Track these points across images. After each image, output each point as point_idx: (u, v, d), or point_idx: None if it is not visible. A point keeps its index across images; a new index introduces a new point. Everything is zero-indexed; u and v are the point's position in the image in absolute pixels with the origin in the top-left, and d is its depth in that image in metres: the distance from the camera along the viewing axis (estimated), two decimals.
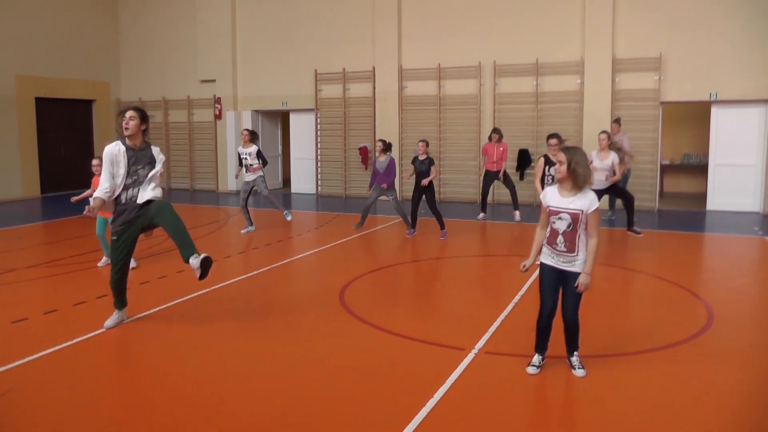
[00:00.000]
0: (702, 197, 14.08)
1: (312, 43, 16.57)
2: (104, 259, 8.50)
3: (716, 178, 13.40)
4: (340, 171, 16.52)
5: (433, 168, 10.33)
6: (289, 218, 11.60)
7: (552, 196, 4.62)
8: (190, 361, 5.13)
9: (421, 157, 10.37)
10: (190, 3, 18.00)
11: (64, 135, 17.80)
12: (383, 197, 11.27)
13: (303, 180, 17.56)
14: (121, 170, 5.64)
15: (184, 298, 6.84)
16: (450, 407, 4.25)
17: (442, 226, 10.47)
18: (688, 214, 13.20)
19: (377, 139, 11.48)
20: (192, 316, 6.32)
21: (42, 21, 16.69)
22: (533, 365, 4.85)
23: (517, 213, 12.13)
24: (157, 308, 6.53)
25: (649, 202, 13.62)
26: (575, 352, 4.81)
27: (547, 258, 4.71)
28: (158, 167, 5.83)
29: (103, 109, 18.78)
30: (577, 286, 4.54)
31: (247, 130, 11.23)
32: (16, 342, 5.58)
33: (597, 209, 4.49)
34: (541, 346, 4.89)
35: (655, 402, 4.33)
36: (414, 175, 10.49)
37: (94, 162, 8.31)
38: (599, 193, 9.49)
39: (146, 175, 5.71)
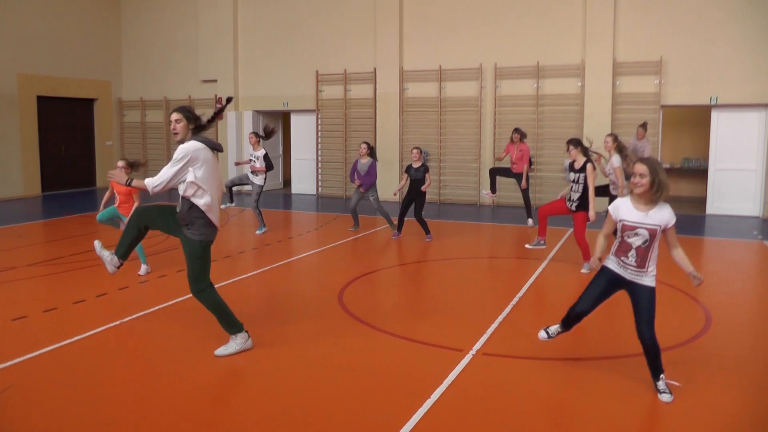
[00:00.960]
0: (702, 201, 14.10)
1: (313, 44, 16.59)
2: (144, 267, 8.11)
3: (716, 182, 13.42)
4: (341, 172, 16.53)
5: (427, 175, 10.29)
6: (259, 232, 11.10)
7: (626, 210, 4.39)
8: (188, 361, 5.14)
9: (416, 165, 10.33)
10: (192, 3, 18.02)
11: (66, 134, 17.83)
12: (366, 200, 11.26)
13: (303, 181, 17.58)
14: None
15: (184, 298, 6.85)
16: (448, 408, 4.27)
17: (427, 232, 10.43)
18: (687, 218, 13.20)
19: (363, 141, 11.43)
20: (191, 315, 6.32)
21: (44, 20, 16.71)
22: (545, 330, 4.88)
23: (531, 220, 11.88)
24: (157, 307, 6.55)
25: None
26: (661, 376, 4.47)
27: (613, 265, 4.53)
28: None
29: (104, 108, 18.81)
30: (694, 279, 4.45)
31: (254, 133, 11.24)
32: (16, 340, 5.59)
33: (674, 226, 4.34)
34: (566, 324, 4.85)
35: (652, 405, 4.35)
36: (407, 184, 10.42)
37: (120, 164, 7.93)
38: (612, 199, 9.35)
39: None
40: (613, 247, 4.54)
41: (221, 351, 5.22)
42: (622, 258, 4.44)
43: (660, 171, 4.23)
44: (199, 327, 5.94)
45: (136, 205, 7.98)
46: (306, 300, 7.05)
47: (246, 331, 5.34)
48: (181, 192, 5.02)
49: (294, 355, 5.28)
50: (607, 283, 4.56)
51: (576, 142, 8.32)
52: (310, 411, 4.23)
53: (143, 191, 5.24)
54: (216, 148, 5.20)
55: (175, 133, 5.10)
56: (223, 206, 11.21)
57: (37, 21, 16.55)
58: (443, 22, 15.12)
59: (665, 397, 4.40)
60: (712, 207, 13.46)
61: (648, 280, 4.41)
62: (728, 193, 13.28)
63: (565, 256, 9.21)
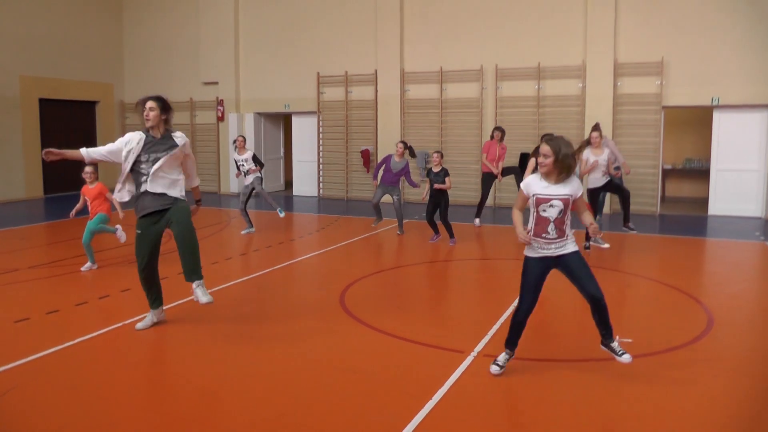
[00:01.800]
0: (704, 202, 14.08)
1: (314, 46, 16.61)
2: (88, 264, 8.38)
3: (718, 183, 13.40)
4: (342, 174, 16.54)
5: (448, 179, 10.26)
6: (282, 215, 11.50)
7: (537, 185, 4.62)
8: (189, 362, 5.15)
9: (436, 169, 10.31)
10: (194, 5, 18.05)
11: (68, 136, 17.82)
12: (387, 196, 11.24)
13: (305, 182, 17.59)
14: (131, 156, 5.66)
15: (185, 300, 6.86)
16: (449, 409, 4.27)
17: (451, 236, 10.38)
18: (689, 218, 13.20)
19: (400, 140, 11.44)
20: (193, 317, 6.33)
21: (46, 22, 16.74)
22: (497, 364, 4.84)
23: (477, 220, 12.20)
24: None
25: (651, 206, 13.63)
26: (616, 336, 4.75)
27: (535, 252, 4.69)
28: (175, 151, 5.67)
29: (106, 110, 18.84)
30: (587, 240, 4.72)
31: (242, 137, 11.47)
32: (18, 342, 5.61)
33: (582, 192, 4.67)
34: (512, 342, 4.87)
35: (653, 406, 4.34)
36: (429, 189, 10.38)
37: (87, 169, 8.27)
38: (597, 191, 9.49)
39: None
40: (530, 232, 4.68)
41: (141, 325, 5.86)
42: (543, 235, 4.63)
43: (562, 149, 4.47)
44: (200, 329, 5.95)
45: (112, 203, 8.18)
46: (307, 301, 7.06)
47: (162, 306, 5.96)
48: (175, 176, 5.70)
49: (295, 355, 5.28)
50: (536, 272, 4.74)
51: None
52: (311, 412, 4.23)
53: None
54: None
55: (147, 120, 5.68)
56: (243, 232, 11.24)
57: (40, 23, 16.58)
58: (444, 24, 15.13)
59: (626, 358, 4.61)
60: (714, 208, 13.45)
61: (571, 245, 4.66)
62: (730, 194, 13.26)
63: None
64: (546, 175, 4.59)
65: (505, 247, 10.61)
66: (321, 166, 16.93)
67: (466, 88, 15.00)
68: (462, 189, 15.21)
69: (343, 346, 5.55)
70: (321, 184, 17.01)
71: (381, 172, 10.95)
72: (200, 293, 5.53)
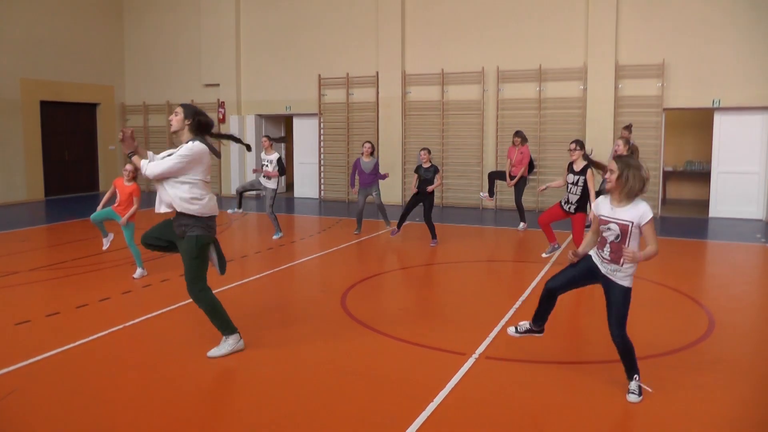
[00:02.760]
0: (705, 204, 14.07)
1: (316, 48, 16.62)
2: (139, 270, 8.14)
3: (719, 186, 13.39)
4: (343, 176, 16.53)
5: (438, 176, 10.28)
6: (276, 237, 10.97)
7: (603, 205, 4.49)
8: (191, 365, 5.14)
9: (425, 165, 10.33)
10: (195, 8, 18.06)
11: (69, 138, 17.87)
12: (370, 197, 11.30)
13: (306, 184, 17.59)
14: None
15: (187, 302, 6.86)
16: (450, 412, 4.26)
17: (434, 236, 10.41)
18: (690, 221, 13.19)
19: (366, 141, 11.50)
20: (194, 319, 6.32)
21: (47, 25, 16.75)
22: (514, 326, 5.00)
23: (523, 224, 11.88)
24: (160, 311, 6.56)
25: (652, 208, 13.56)
26: (635, 376, 4.51)
27: (594, 256, 4.61)
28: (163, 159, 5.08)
29: (107, 112, 18.85)
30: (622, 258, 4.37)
31: (267, 136, 11.12)
32: (20, 344, 5.60)
33: (651, 220, 4.30)
34: (537, 317, 4.90)
35: (655, 409, 4.34)
36: (418, 184, 10.40)
37: (129, 167, 8.08)
38: None
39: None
40: (597, 241, 4.64)
41: (214, 352, 5.27)
42: (600, 251, 4.53)
43: (630, 168, 4.29)
44: (202, 331, 5.94)
45: (134, 208, 8.02)
46: (309, 303, 7.05)
47: (238, 333, 5.38)
48: (180, 193, 5.05)
49: (296, 358, 5.28)
50: (585, 268, 4.64)
51: (582, 144, 8.35)
52: (313, 415, 4.23)
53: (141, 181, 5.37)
54: (216, 154, 5.39)
55: (170, 124, 5.24)
56: (230, 211, 11.25)
57: (41, 26, 16.59)
58: (445, 26, 15.14)
59: (632, 398, 4.44)
60: (715, 210, 13.44)
61: (621, 278, 4.45)
62: (731, 196, 13.24)
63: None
64: (612, 195, 4.43)
65: (508, 248, 10.61)
66: (322, 168, 16.93)
67: (467, 90, 15.01)
68: (463, 191, 15.22)
69: (344, 349, 5.54)
70: (322, 186, 17.00)
71: (357, 177, 11.04)
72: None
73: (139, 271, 8.12)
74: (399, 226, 10.72)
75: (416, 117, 15.64)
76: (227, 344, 5.31)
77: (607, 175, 4.40)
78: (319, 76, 16.53)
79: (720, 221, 12.94)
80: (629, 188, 4.29)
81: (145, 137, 19.15)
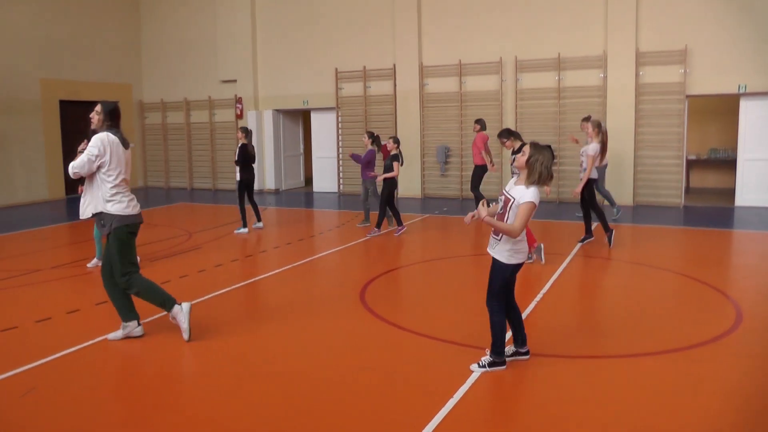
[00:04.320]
0: (730, 193, 13.82)
1: (332, 42, 16.55)
2: (95, 260, 8.52)
3: (745, 173, 13.12)
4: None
5: (395, 164, 10.38)
6: (237, 231, 11.07)
7: (510, 182, 4.77)
8: (208, 360, 5.12)
9: (394, 153, 10.57)
10: (210, 4, 18.08)
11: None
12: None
13: (325, 178, 17.56)
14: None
15: (206, 297, 6.85)
16: (470, 408, 4.19)
17: (378, 225, 10.53)
18: (715, 210, 12.96)
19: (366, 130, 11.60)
20: (211, 314, 6.31)
21: (64, 25, 16.87)
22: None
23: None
24: None
25: (675, 198, 13.40)
26: (486, 349, 4.85)
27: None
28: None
29: (125, 111, 18.74)
30: (474, 216, 4.65)
31: (241, 128, 11.27)
32: (40, 341, 5.63)
33: (529, 203, 4.43)
34: (515, 337, 5.03)
35: (679, 403, 4.23)
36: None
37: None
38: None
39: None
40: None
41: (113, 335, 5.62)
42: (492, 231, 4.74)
43: (538, 154, 4.47)
44: (221, 326, 5.92)
45: None
46: (327, 298, 7.00)
47: (137, 319, 5.69)
48: (94, 183, 5.49)
49: (314, 353, 5.23)
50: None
51: (507, 134, 9.18)
52: (330, 410, 4.17)
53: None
54: (125, 144, 5.64)
55: (91, 122, 5.62)
56: (254, 226, 11.23)
57: (58, 27, 16.70)
58: (462, 16, 14.99)
59: (473, 366, 4.74)
60: (741, 198, 13.18)
61: (498, 252, 4.63)
62: (758, 184, 12.97)
63: (590, 251, 9.06)
64: (519, 174, 4.68)
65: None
66: (340, 161, 16.88)
67: (485, 80, 14.86)
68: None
69: (363, 343, 5.49)
70: (341, 180, 16.96)
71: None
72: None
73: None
74: (400, 222, 10.69)
75: (434, 109, 15.53)
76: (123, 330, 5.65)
77: (518, 155, 4.62)
78: (336, 69, 16.46)
79: (746, 210, 12.68)
80: (535, 175, 4.48)
81: (163, 135, 19.24)
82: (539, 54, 14.20)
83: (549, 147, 4.59)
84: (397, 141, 10.63)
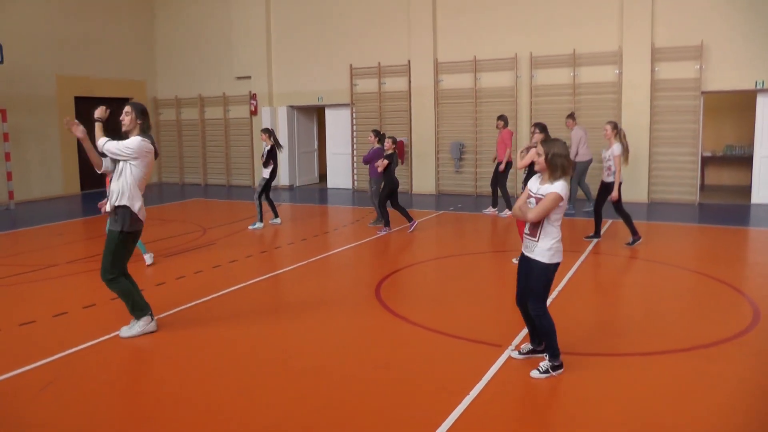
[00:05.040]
0: (746, 190, 13.70)
1: (347, 38, 16.54)
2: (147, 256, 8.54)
3: (762, 170, 12.99)
4: None
5: (381, 161, 10.43)
6: (251, 227, 11.06)
7: (533, 183, 4.72)
8: (226, 357, 5.14)
9: (389, 152, 10.58)
10: (225, 1, 18.11)
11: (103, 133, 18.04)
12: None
13: (339, 175, 17.56)
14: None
15: (218, 294, 6.88)
16: (486, 406, 4.18)
17: (385, 224, 10.59)
18: (731, 207, 12.85)
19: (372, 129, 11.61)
20: (226, 310, 6.34)
21: (80, 22, 16.96)
22: (518, 350, 5.06)
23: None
24: (194, 302, 6.58)
25: (690, 195, 13.31)
26: (546, 356, 4.68)
27: (522, 248, 4.81)
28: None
29: None
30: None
31: (263, 129, 11.44)
32: (57, 336, 5.68)
33: (554, 194, 4.45)
34: (532, 336, 4.98)
35: (694, 402, 4.21)
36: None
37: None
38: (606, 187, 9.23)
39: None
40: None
41: (125, 332, 5.60)
42: (525, 231, 4.74)
43: (554, 150, 4.51)
44: (236, 321, 5.95)
45: None
46: (343, 295, 7.02)
47: (150, 314, 5.69)
48: (123, 185, 5.53)
49: (330, 350, 5.24)
50: (522, 266, 4.80)
51: (542, 128, 8.84)
52: (346, 407, 4.18)
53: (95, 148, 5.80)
54: (156, 154, 5.81)
55: (123, 124, 5.73)
56: (271, 222, 11.30)
57: (74, 24, 16.80)
58: (477, 12, 14.93)
59: (534, 373, 4.61)
60: (758, 196, 13.06)
61: (539, 253, 4.58)
62: None
63: (606, 248, 9.02)
64: (542, 174, 4.68)
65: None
66: (355, 158, 16.88)
67: (500, 77, 14.81)
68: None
69: (378, 340, 5.50)
70: (355, 176, 16.97)
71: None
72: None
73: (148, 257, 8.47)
74: (409, 219, 10.66)
75: (449, 105, 15.49)
76: (138, 325, 5.63)
77: (536, 158, 4.62)
78: (351, 66, 16.46)
79: (763, 207, 12.56)
80: (558, 169, 4.50)
81: (178, 131, 19.31)
82: (554, 50, 14.13)
83: (557, 139, 4.64)
84: (394, 141, 10.66)
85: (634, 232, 9.06)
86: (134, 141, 5.56)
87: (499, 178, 12.18)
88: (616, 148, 8.94)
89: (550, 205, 4.45)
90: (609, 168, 9.06)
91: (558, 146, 4.53)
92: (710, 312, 6.24)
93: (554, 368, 4.61)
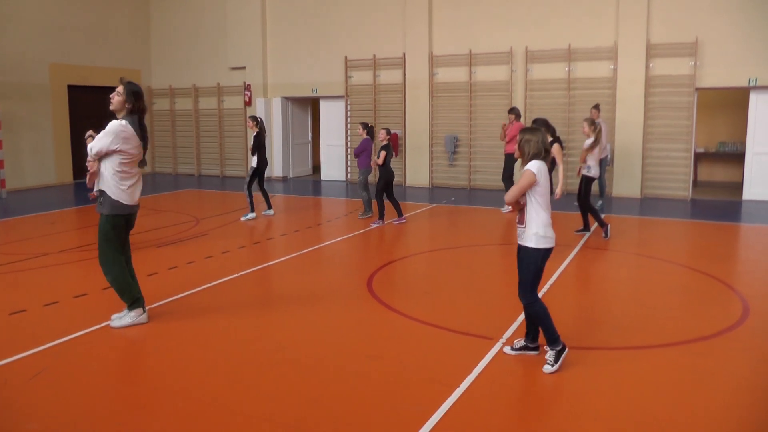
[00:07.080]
0: (738, 187, 13.77)
1: (342, 30, 16.50)
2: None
3: (754, 167, 13.06)
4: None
5: (382, 153, 10.53)
6: (244, 218, 11.03)
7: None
8: (221, 347, 5.14)
9: (384, 143, 10.66)
10: None
11: (96, 122, 17.87)
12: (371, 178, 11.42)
13: (333, 167, 17.56)
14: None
15: (211, 284, 6.87)
16: (477, 398, 4.20)
17: (379, 216, 10.66)
18: (723, 203, 12.91)
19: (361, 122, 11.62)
20: (218, 300, 6.34)
21: (74, 10, 16.86)
22: (510, 345, 5.04)
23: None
24: (189, 291, 6.57)
25: (682, 191, 13.36)
26: (546, 347, 4.70)
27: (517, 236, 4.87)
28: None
29: None
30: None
31: (251, 117, 11.41)
32: (49, 324, 5.66)
33: (526, 171, 4.54)
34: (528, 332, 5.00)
35: (685, 397, 4.24)
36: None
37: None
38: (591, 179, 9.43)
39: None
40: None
41: (116, 322, 5.57)
42: (516, 220, 4.87)
43: (524, 135, 4.64)
44: (228, 312, 5.95)
45: None
46: (334, 287, 7.03)
47: (143, 306, 5.65)
48: (103, 169, 5.43)
49: (321, 342, 5.25)
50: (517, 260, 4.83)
51: (543, 123, 8.96)
52: (337, 398, 4.19)
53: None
54: (143, 139, 5.57)
55: (111, 102, 5.50)
56: (264, 213, 11.28)
57: (68, 12, 16.70)
58: (473, 6, 14.91)
59: (547, 368, 4.56)
60: (749, 192, 13.13)
61: (527, 239, 4.63)
62: (766, 178, 12.91)
63: (598, 243, 9.05)
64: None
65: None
66: (349, 150, 16.86)
67: (495, 71, 14.81)
68: (490, 173, 15.03)
69: (370, 332, 5.51)
70: (349, 169, 16.96)
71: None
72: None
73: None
74: (399, 213, 10.72)
75: (443, 98, 15.48)
76: (129, 316, 5.59)
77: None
78: (346, 58, 16.42)
79: (755, 204, 12.63)
80: (526, 154, 4.63)
81: (171, 121, 19.25)
82: (550, 45, 14.14)
83: (541, 127, 4.72)
84: (388, 132, 10.71)
85: (587, 226, 9.60)
86: (109, 127, 5.34)
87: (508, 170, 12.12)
88: (588, 141, 9.22)
89: (524, 183, 4.54)
90: (585, 161, 9.33)
91: (530, 132, 4.66)
92: (701, 307, 6.28)
93: (559, 353, 4.60)
